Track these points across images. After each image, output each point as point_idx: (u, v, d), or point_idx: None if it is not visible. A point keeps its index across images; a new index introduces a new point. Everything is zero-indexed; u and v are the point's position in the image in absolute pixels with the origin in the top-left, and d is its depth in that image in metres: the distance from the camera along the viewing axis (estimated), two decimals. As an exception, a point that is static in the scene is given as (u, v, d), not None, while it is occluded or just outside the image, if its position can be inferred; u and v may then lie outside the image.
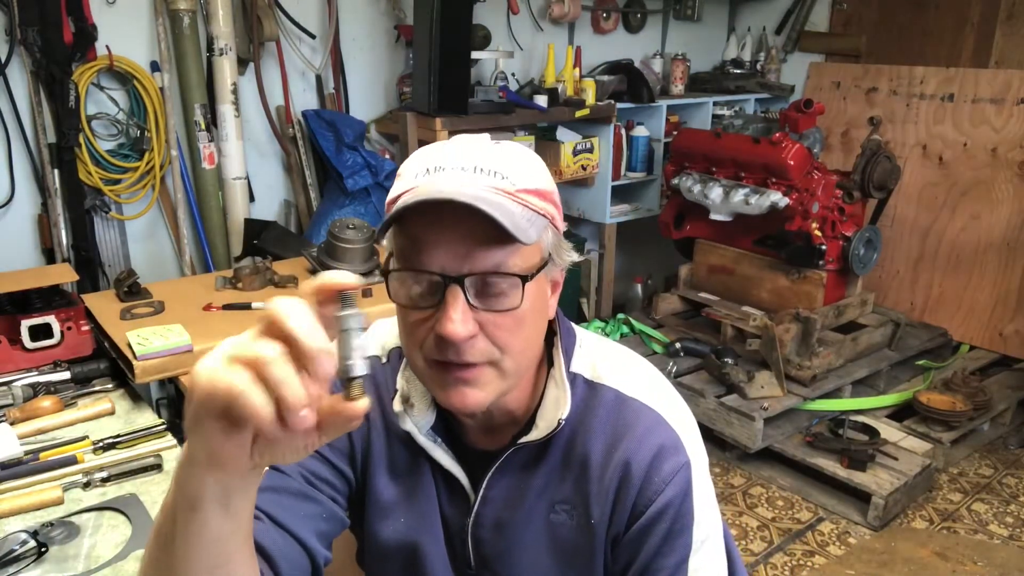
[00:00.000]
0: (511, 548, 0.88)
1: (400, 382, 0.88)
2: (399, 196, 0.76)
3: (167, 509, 0.61)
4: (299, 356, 0.50)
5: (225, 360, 0.50)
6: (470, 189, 0.72)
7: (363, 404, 0.53)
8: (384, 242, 0.79)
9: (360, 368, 0.53)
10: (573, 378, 0.87)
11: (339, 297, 0.53)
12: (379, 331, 0.97)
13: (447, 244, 0.73)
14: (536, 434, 0.84)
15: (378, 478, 0.90)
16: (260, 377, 0.49)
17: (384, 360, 0.93)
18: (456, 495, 0.90)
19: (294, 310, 0.50)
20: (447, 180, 0.74)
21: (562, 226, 0.83)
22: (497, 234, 0.71)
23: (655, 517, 0.82)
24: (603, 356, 0.90)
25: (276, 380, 0.49)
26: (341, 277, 0.53)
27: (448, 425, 0.90)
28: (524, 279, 0.75)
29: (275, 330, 0.50)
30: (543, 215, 0.77)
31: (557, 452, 0.86)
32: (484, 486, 0.88)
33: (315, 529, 0.83)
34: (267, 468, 0.82)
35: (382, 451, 0.90)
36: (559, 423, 0.83)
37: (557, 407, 0.84)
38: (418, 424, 0.87)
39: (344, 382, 0.53)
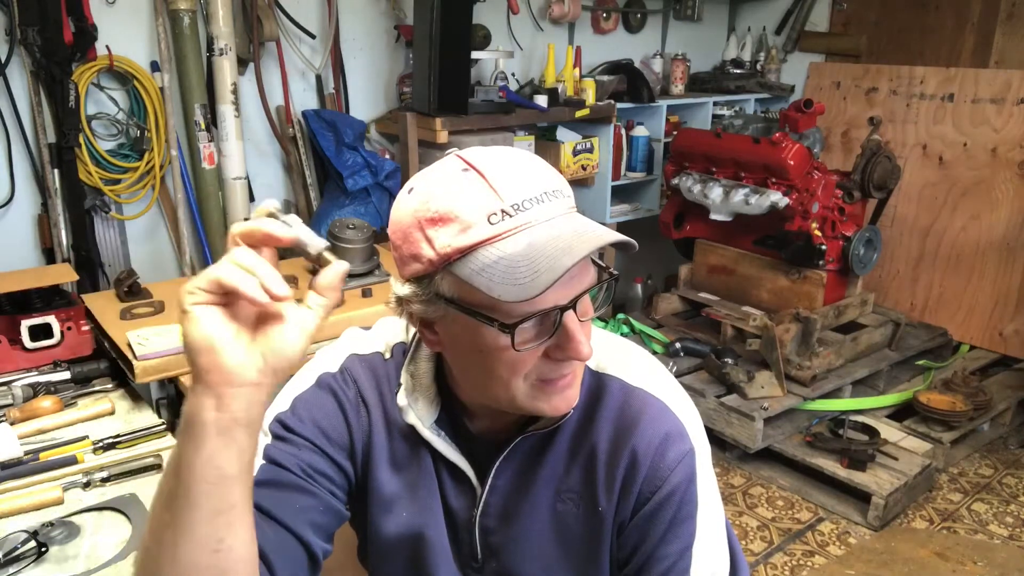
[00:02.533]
0: (518, 537, 0.89)
1: (404, 376, 0.89)
2: (479, 244, 0.72)
3: (171, 464, 0.66)
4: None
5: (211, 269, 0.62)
6: (579, 229, 0.74)
7: (340, 266, 0.68)
8: (399, 287, 0.79)
9: (318, 243, 0.67)
10: None
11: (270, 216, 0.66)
12: (383, 328, 0.97)
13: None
14: (544, 423, 0.86)
15: (380, 472, 0.90)
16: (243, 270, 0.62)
17: (388, 356, 0.93)
18: (462, 486, 0.90)
19: (241, 230, 0.65)
20: (539, 217, 0.73)
21: None
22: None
23: (661, 503, 0.84)
24: (607, 348, 0.91)
25: (250, 266, 0.62)
26: (260, 215, 0.66)
27: (452, 418, 0.90)
28: (615, 277, 0.81)
29: (246, 240, 0.65)
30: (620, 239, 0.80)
31: (564, 442, 0.88)
32: (492, 475, 0.89)
33: (310, 521, 0.83)
34: (262, 461, 0.82)
35: (383, 445, 0.90)
36: (568, 411, 0.85)
37: None
38: (422, 418, 0.88)
39: (315, 261, 0.67)
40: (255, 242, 0.65)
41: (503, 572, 0.91)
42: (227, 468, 0.64)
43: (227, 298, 0.63)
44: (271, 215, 0.66)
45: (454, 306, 0.76)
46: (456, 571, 0.92)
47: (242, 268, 0.62)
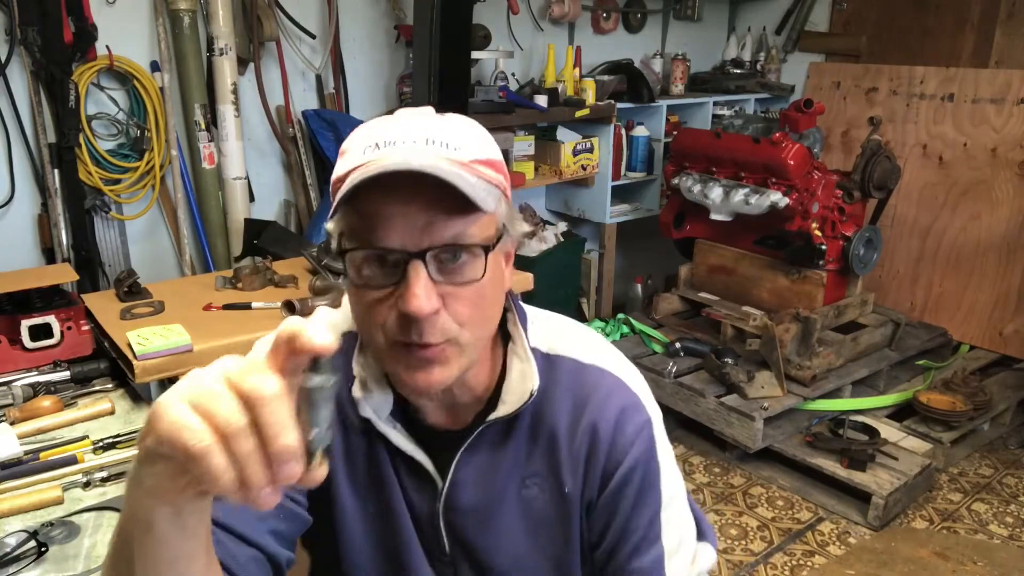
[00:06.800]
0: (486, 529, 0.88)
1: (356, 368, 0.85)
2: (348, 173, 0.73)
3: (123, 532, 0.59)
4: (265, 449, 0.46)
5: (190, 407, 0.47)
6: (426, 160, 0.70)
7: (321, 473, 0.49)
8: (329, 225, 0.77)
9: (324, 440, 0.48)
10: (532, 352, 0.87)
11: (311, 361, 0.48)
12: (328, 314, 0.95)
13: (405, 218, 0.71)
14: (505, 409, 0.84)
15: (338, 474, 0.88)
16: (223, 442, 0.46)
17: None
18: (422, 481, 0.88)
19: (274, 398, 0.46)
20: (400, 153, 0.72)
21: (510, 196, 0.82)
22: (456, 205, 0.70)
23: (626, 476, 0.85)
24: (555, 328, 0.91)
25: (239, 455, 0.46)
26: (317, 337, 0.47)
27: (405, 409, 0.87)
28: (487, 249, 0.74)
29: (247, 400, 0.47)
30: (496, 185, 0.76)
31: (524, 427, 0.87)
32: (453, 469, 0.86)
33: (270, 529, 0.80)
34: None
35: (339, 444, 0.87)
36: (531, 394, 0.83)
37: (524, 381, 0.84)
38: (377, 410, 0.84)
39: (306, 449, 0.48)
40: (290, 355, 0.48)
41: (474, 563, 0.90)
42: (182, 549, 0.58)
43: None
44: (315, 361, 0.48)
45: (337, 240, 0.76)
46: (427, 565, 0.90)
47: (220, 432, 0.46)
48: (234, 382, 0.47)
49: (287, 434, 0.46)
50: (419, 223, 0.71)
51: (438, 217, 0.71)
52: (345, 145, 0.78)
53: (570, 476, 0.86)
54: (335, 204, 0.72)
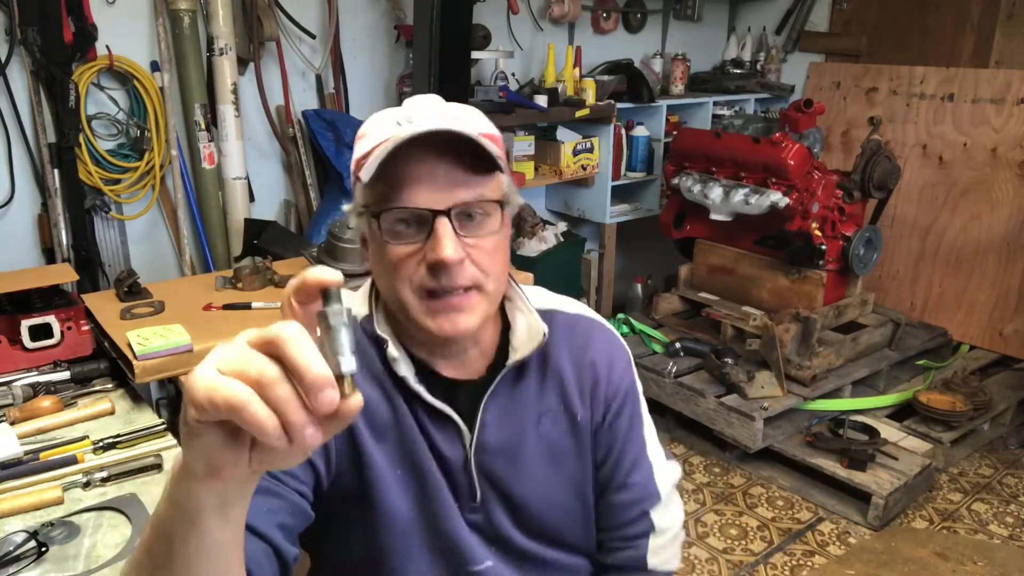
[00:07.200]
0: (514, 464, 0.96)
1: (381, 333, 0.91)
2: (373, 149, 0.82)
3: (160, 528, 0.60)
4: (300, 385, 0.48)
5: (220, 372, 0.49)
6: (450, 127, 0.80)
7: (357, 400, 0.51)
8: (346, 207, 0.89)
9: (350, 364, 0.50)
10: None
11: (322, 294, 0.52)
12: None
13: (432, 180, 0.82)
14: (519, 355, 0.94)
15: (367, 443, 0.91)
16: (260, 392, 0.48)
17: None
18: (448, 431, 0.94)
19: (296, 336, 0.49)
20: (423, 126, 0.81)
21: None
22: (475, 166, 0.82)
23: (622, 403, 1.00)
24: (537, 291, 1.05)
25: (278, 401, 0.48)
26: (324, 274, 0.52)
27: (422, 368, 0.94)
28: (502, 204, 0.86)
29: (271, 349, 0.49)
30: (499, 157, 0.85)
31: (533, 371, 0.98)
32: (481, 412, 0.94)
33: (279, 524, 0.82)
34: None
35: (360, 420, 0.90)
36: (544, 336, 0.94)
37: (531, 330, 0.95)
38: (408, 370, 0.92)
39: (336, 380, 0.50)
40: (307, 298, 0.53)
41: (506, 502, 0.96)
42: (224, 538, 0.60)
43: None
44: (326, 294, 0.52)
45: (361, 210, 0.86)
46: (459, 516, 0.95)
47: (256, 384, 0.48)
48: (255, 339, 0.50)
49: (316, 364, 0.48)
50: (443, 184, 0.82)
51: (460, 178, 0.82)
52: (363, 130, 0.89)
53: (580, 406, 0.98)
54: (367, 176, 0.81)
